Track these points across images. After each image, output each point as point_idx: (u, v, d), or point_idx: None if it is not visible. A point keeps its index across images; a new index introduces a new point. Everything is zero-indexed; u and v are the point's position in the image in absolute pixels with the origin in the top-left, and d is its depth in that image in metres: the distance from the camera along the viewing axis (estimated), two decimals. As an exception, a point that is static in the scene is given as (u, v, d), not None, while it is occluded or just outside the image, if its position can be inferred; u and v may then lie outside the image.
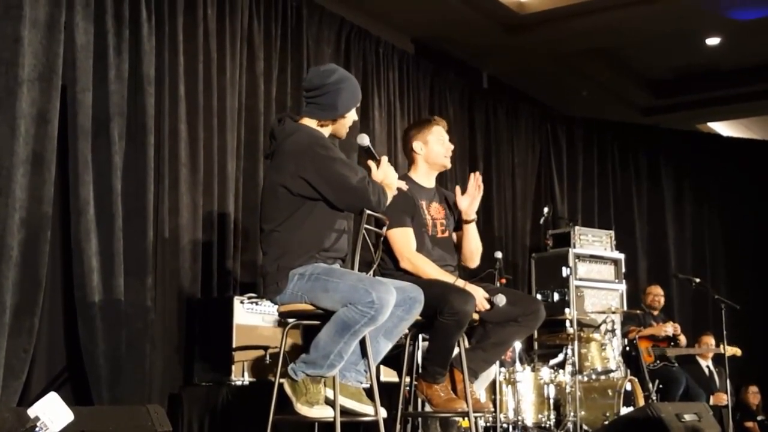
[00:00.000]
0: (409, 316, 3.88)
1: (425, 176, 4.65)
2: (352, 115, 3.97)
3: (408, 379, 4.49)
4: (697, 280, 8.22)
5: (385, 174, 3.88)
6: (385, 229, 4.01)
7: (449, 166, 4.71)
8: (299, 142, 3.78)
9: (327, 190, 3.73)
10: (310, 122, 3.92)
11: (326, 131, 3.95)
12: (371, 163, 3.93)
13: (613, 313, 7.97)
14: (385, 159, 3.92)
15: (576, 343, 6.99)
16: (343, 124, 3.96)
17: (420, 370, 4.38)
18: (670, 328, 8.38)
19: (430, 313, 4.05)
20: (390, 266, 4.41)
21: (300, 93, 7.03)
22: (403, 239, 4.39)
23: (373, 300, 3.53)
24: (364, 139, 3.91)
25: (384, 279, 3.83)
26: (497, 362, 5.72)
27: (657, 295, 8.81)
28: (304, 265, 3.74)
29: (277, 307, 3.90)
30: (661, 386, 7.80)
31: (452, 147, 4.67)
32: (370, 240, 3.89)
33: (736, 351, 8.40)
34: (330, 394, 3.71)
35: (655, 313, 8.74)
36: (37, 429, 3.09)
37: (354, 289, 3.59)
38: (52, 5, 5.13)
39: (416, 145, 4.60)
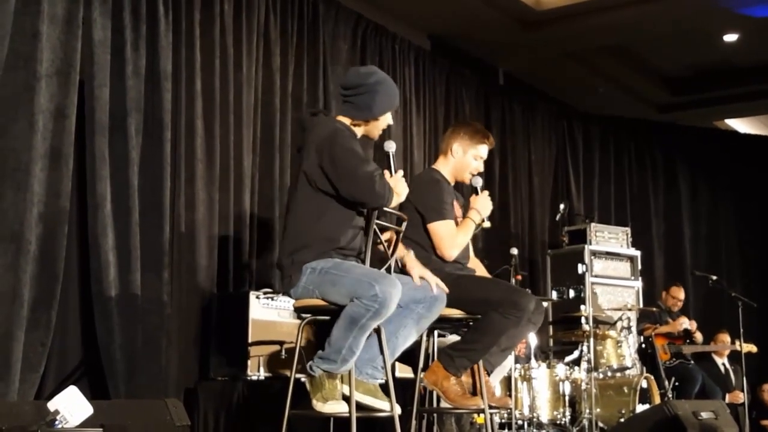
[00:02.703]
0: (429, 314, 3.90)
1: (449, 175, 4.68)
2: (386, 118, 3.98)
3: (423, 375, 4.48)
4: (714, 277, 8.19)
5: (395, 184, 3.85)
6: (404, 225, 4.02)
7: (467, 183, 4.72)
8: (323, 134, 3.80)
9: (336, 178, 3.73)
10: (344, 120, 3.95)
11: (359, 131, 3.98)
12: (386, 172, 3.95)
13: (629, 310, 7.94)
14: (400, 173, 3.92)
15: (592, 340, 6.97)
16: (376, 126, 3.98)
17: (440, 358, 4.35)
18: (686, 322, 8.35)
19: (483, 310, 4.10)
20: (425, 263, 4.41)
21: (317, 89, 7.10)
22: (447, 231, 4.43)
23: (377, 293, 3.54)
24: (391, 146, 4.02)
25: (393, 274, 3.81)
26: (512, 357, 5.75)
27: (678, 299, 8.78)
28: (318, 259, 3.75)
29: (293, 302, 3.92)
30: (677, 384, 7.79)
31: (482, 170, 4.70)
32: (381, 237, 3.89)
33: (752, 348, 8.37)
34: (347, 390, 3.72)
35: (673, 311, 8.72)
36: (56, 422, 3.12)
37: (358, 282, 3.60)
38: (70, 1, 5.15)
39: (456, 147, 4.62)
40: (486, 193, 4.58)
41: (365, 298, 3.56)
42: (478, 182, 4.61)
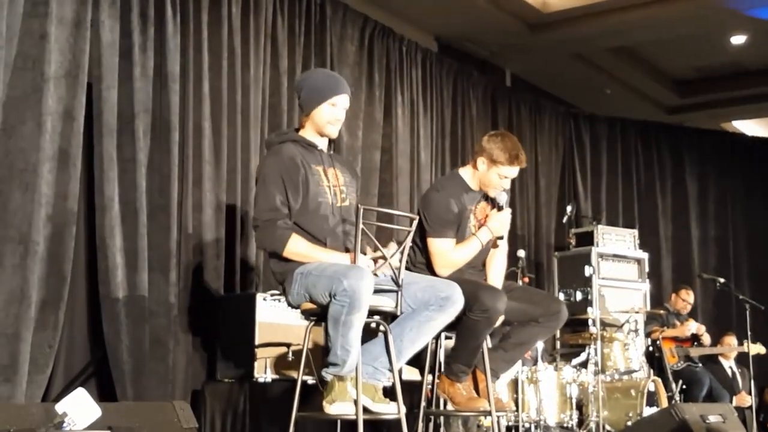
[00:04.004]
0: (441, 315, 3.90)
1: (475, 183, 4.57)
2: (324, 111, 3.99)
3: (430, 377, 4.49)
4: (722, 280, 8.18)
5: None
6: (414, 223, 4.03)
7: (492, 196, 4.57)
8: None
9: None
10: (302, 130, 4.06)
11: (309, 132, 4.03)
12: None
13: (637, 312, 7.93)
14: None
15: (599, 342, 6.96)
16: (316, 121, 4.00)
17: (443, 368, 4.38)
18: (693, 327, 8.34)
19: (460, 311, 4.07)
20: (423, 260, 4.42)
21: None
22: (440, 249, 4.40)
23: (345, 288, 3.57)
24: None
25: (360, 265, 3.76)
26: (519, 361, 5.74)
27: (687, 302, 8.76)
28: (305, 263, 3.82)
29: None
30: (684, 387, 7.77)
31: (507, 188, 4.57)
32: (373, 235, 3.88)
33: (761, 349, 8.35)
34: (354, 393, 3.74)
35: (681, 314, 8.72)
36: (65, 424, 3.12)
37: (331, 280, 3.64)
38: (79, 3, 5.17)
39: (481, 162, 4.47)
40: (507, 212, 4.45)
41: (338, 294, 3.60)
42: (502, 198, 4.46)
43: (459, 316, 4.10)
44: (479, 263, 4.57)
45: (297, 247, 3.80)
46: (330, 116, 3.98)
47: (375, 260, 3.89)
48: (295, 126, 4.22)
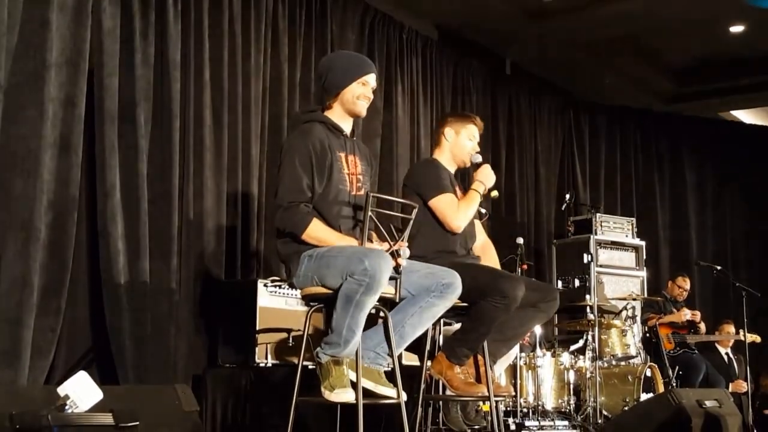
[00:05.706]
0: (442, 301, 3.92)
1: (448, 163, 4.74)
2: (355, 89, 4.00)
3: (430, 363, 4.52)
4: (719, 267, 8.22)
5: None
6: (415, 212, 4.05)
7: (468, 165, 4.75)
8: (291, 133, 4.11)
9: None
10: (327, 112, 4.05)
11: (336, 114, 4.03)
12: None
13: (634, 299, 7.98)
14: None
15: (596, 329, 7.01)
16: (347, 99, 4.00)
17: (443, 348, 4.40)
18: (688, 314, 8.38)
19: (473, 298, 4.12)
20: (422, 252, 4.44)
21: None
22: (447, 203, 4.49)
23: (366, 268, 3.55)
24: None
25: (374, 249, 3.78)
26: (516, 346, 5.78)
27: (684, 289, 8.81)
28: (315, 246, 3.82)
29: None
30: (680, 373, 7.82)
31: (478, 149, 4.76)
32: (379, 224, 3.89)
33: (756, 338, 8.40)
34: (353, 376, 3.75)
35: (678, 301, 8.76)
36: (66, 407, 3.15)
37: (349, 260, 3.63)
38: (80, -10, 5.18)
39: (448, 131, 4.72)
40: (487, 165, 4.66)
41: (357, 274, 3.58)
42: (478, 158, 4.69)
43: (473, 302, 4.16)
44: (469, 245, 4.65)
45: (316, 231, 3.81)
46: (360, 92, 4.01)
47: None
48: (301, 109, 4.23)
